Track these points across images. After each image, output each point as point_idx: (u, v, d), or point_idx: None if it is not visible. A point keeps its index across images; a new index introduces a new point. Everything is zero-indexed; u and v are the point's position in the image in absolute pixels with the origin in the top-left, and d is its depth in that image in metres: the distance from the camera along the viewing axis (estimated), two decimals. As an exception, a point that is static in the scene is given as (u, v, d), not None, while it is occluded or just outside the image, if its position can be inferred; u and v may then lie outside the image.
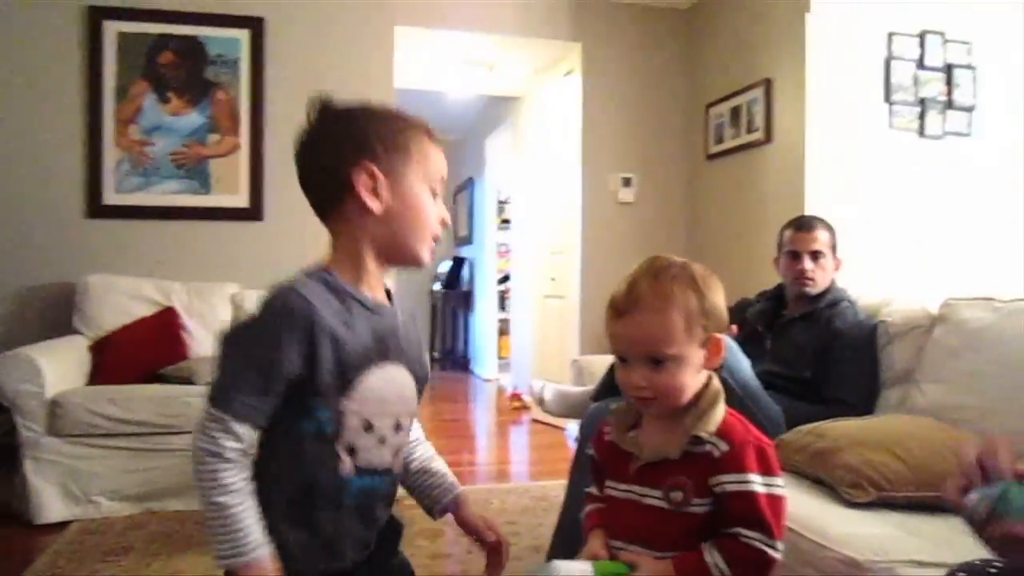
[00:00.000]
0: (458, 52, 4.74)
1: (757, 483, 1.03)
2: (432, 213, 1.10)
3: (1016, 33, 3.60)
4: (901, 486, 1.54)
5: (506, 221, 6.91)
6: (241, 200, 3.75)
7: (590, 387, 2.30)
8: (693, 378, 1.10)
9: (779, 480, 1.05)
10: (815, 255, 2.27)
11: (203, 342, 3.35)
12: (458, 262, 7.69)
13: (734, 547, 1.01)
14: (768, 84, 3.61)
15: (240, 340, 0.98)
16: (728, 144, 3.94)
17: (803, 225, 2.33)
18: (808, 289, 2.27)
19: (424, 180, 1.07)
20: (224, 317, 3.40)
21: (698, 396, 1.10)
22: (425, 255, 1.13)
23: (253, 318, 0.97)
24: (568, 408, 2.30)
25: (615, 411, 1.19)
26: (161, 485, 2.85)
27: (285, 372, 0.95)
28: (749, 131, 3.76)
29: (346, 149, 1.01)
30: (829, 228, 2.35)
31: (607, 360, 2.24)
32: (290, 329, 0.95)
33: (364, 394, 1.00)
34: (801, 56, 3.40)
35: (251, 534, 0.92)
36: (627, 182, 4.35)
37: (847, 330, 2.14)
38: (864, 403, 2.08)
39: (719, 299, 1.12)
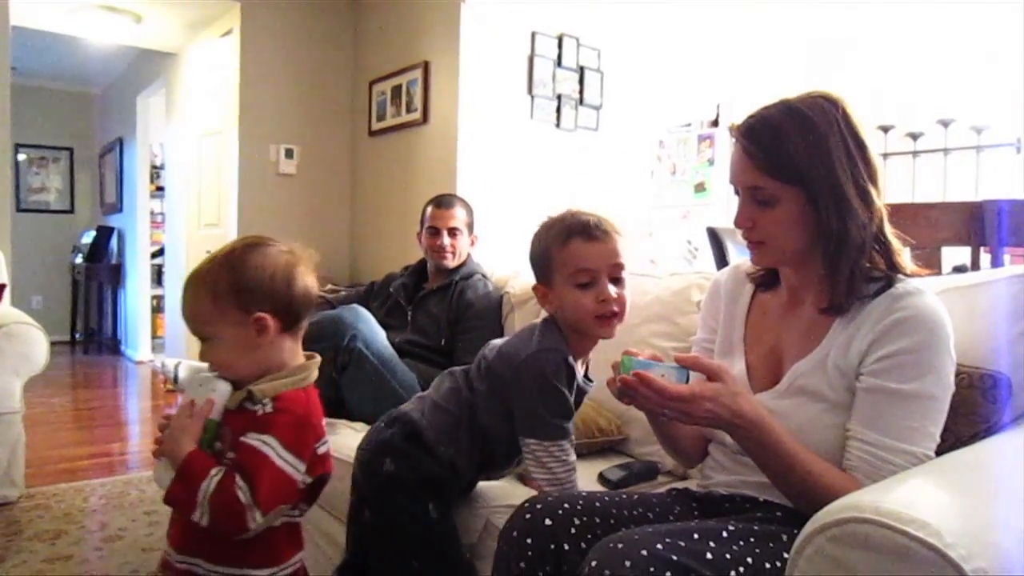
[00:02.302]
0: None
1: (274, 448, 1.07)
2: None
3: (634, 47, 4.17)
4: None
5: (161, 188, 6.31)
6: None
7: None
8: (242, 355, 1.14)
9: (301, 465, 1.10)
10: (452, 231, 2.43)
11: None
12: (105, 232, 6.85)
13: (229, 483, 1.05)
14: (426, 67, 3.74)
15: None
16: (389, 122, 4.02)
17: (442, 203, 2.47)
18: (445, 263, 2.42)
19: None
20: None
21: (280, 367, 1.16)
22: None
23: None
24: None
25: None
26: None
27: None
28: (408, 111, 3.87)
29: None
30: (467, 207, 2.52)
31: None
32: None
33: None
34: (456, 44, 3.57)
35: None
36: (289, 153, 4.23)
37: (477, 301, 2.33)
38: (490, 367, 2.28)
39: (260, 276, 1.13)
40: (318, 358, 1.21)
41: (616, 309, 1.28)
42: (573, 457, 1.30)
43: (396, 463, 1.33)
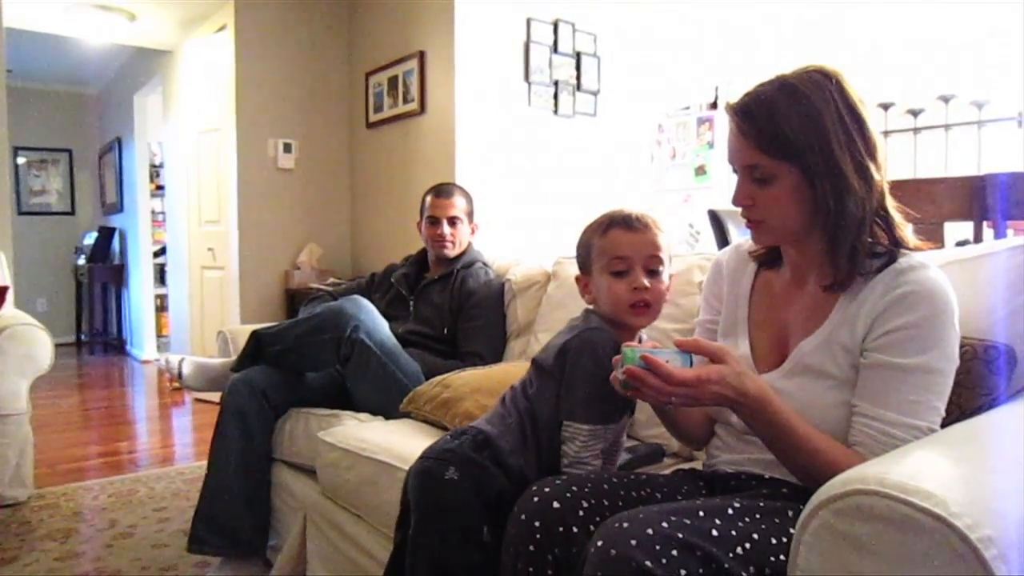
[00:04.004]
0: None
1: None
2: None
3: (631, 31, 4.15)
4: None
5: (161, 187, 6.31)
6: None
7: (230, 359, 2.21)
8: None
9: None
10: (452, 220, 2.41)
11: None
12: (106, 232, 6.86)
13: None
14: (422, 57, 3.73)
15: None
16: (387, 113, 4.01)
17: (442, 192, 2.46)
18: (446, 252, 2.41)
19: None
20: None
21: None
22: None
23: None
24: (208, 382, 2.18)
25: None
26: None
27: None
28: (405, 102, 3.86)
29: None
30: (466, 195, 2.51)
31: (253, 329, 2.17)
32: None
33: None
34: (451, 32, 3.55)
35: None
36: (288, 147, 4.22)
37: (479, 289, 2.32)
38: (493, 355, 2.28)
39: None
40: None
41: (649, 299, 1.28)
42: (601, 444, 1.28)
43: (460, 472, 1.25)
